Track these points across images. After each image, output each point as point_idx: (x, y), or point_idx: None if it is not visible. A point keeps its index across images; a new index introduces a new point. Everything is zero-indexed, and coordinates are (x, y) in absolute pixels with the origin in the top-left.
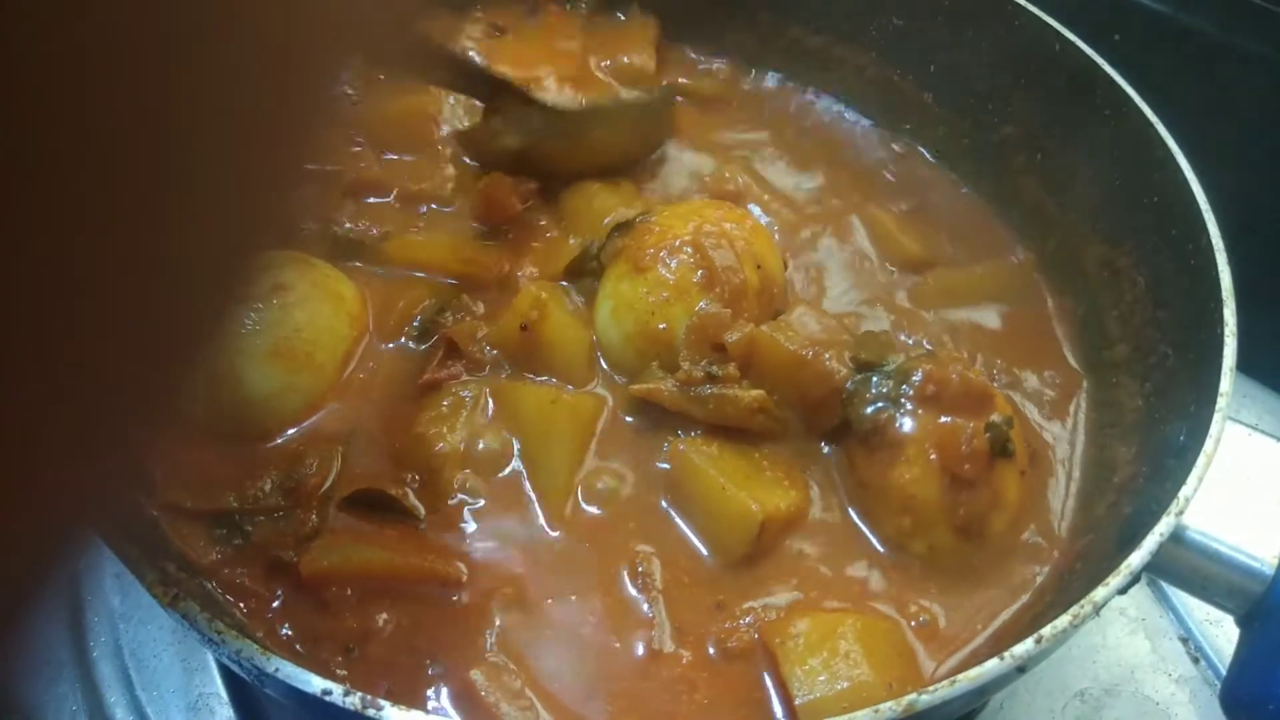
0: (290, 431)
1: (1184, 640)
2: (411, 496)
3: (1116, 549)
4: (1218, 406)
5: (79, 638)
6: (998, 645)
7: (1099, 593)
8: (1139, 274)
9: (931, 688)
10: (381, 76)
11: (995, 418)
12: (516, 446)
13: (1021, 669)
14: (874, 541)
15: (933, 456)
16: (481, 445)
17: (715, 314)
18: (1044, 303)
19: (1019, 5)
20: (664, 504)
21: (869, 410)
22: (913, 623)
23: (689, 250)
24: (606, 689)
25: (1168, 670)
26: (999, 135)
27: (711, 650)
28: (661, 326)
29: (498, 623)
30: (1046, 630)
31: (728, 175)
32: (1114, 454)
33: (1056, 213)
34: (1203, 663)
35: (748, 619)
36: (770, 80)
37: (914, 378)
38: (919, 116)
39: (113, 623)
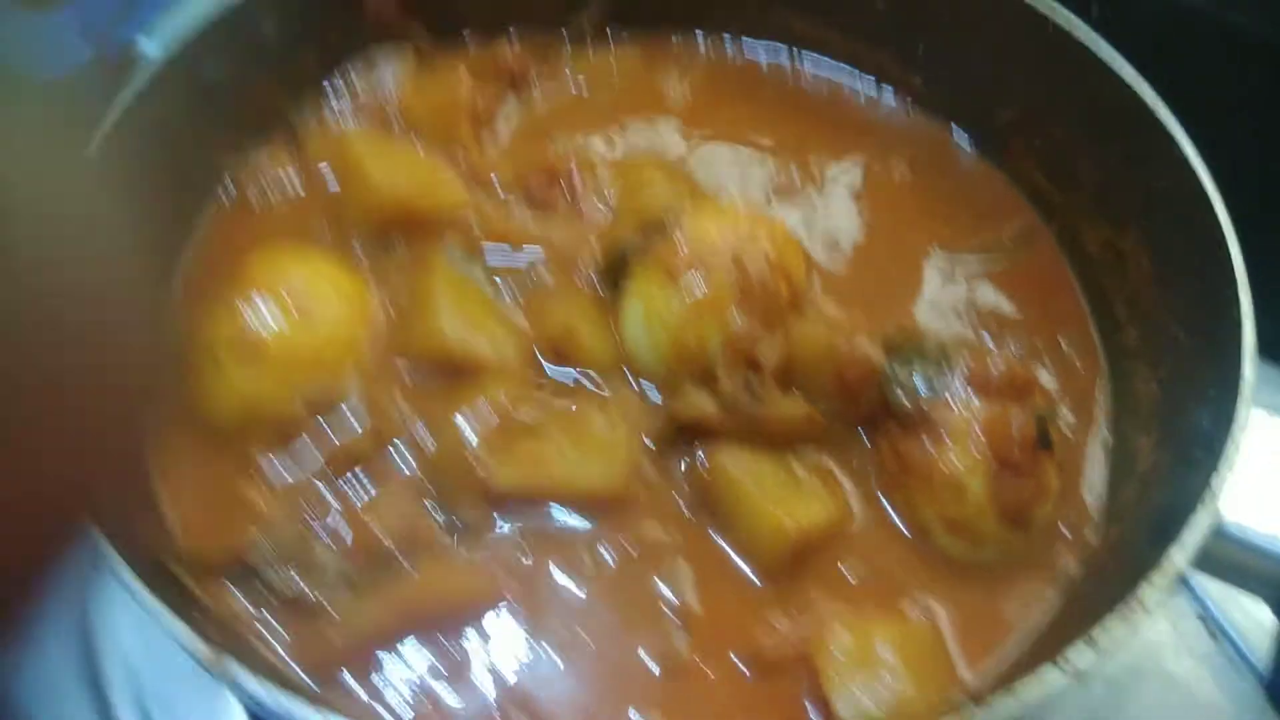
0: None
1: (1202, 618)
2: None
3: (1148, 541)
4: (1241, 394)
5: (94, 678)
6: (1038, 645)
7: (1148, 594)
8: (1144, 256)
9: (997, 696)
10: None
11: (1041, 407)
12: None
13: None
14: (909, 537)
15: (981, 442)
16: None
17: (750, 331)
18: (1060, 286)
19: None
20: (700, 515)
21: (912, 393)
22: (949, 624)
23: (726, 263)
24: (644, 707)
25: (1189, 648)
26: (997, 119)
27: (751, 664)
28: (694, 341)
29: (536, 645)
30: (1102, 638)
31: (778, 168)
32: (1134, 442)
33: (1058, 196)
34: (1221, 639)
35: (787, 631)
36: (762, 55)
37: (957, 363)
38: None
39: (131, 670)
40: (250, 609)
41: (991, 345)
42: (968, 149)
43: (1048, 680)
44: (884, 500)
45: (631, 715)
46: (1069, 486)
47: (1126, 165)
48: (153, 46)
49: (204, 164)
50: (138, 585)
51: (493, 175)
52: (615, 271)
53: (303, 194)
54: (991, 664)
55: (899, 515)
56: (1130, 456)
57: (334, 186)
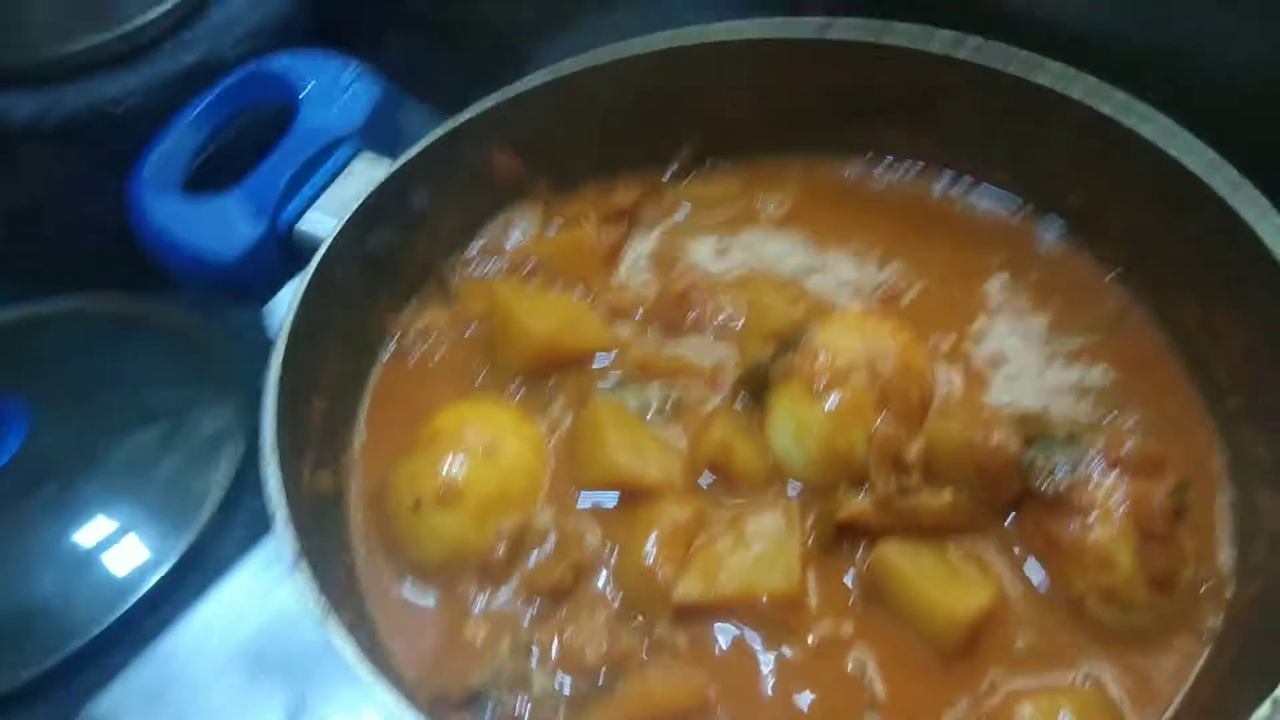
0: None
1: None
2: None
3: None
4: None
5: None
6: (1192, 698)
7: None
8: (1239, 328)
9: None
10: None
11: (1175, 478)
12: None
13: None
14: (1062, 609)
15: (1125, 516)
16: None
17: (893, 432)
18: (1159, 360)
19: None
20: (871, 608)
21: (1055, 477)
22: (1115, 687)
23: (862, 371)
24: None
25: None
26: (1078, 206)
27: None
28: (844, 447)
29: None
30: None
31: (882, 274)
32: (1255, 499)
33: (1145, 275)
34: None
35: (972, 709)
36: (848, 168)
37: (1093, 447)
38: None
39: None
40: None
41: (1109, 422)
42: (1052, 236)
43: None
44: (1036, 579)
45: None
46: (1204, 548)
47: (1211, 242)
48: (317, 223)
49: (371, 323)
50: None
51: (627, 308)
52: (756, 387)
53: (459, 343)
54: (1164, 716)
55: (1051, 590)
56: (1255, 514)
57: (484, 333)
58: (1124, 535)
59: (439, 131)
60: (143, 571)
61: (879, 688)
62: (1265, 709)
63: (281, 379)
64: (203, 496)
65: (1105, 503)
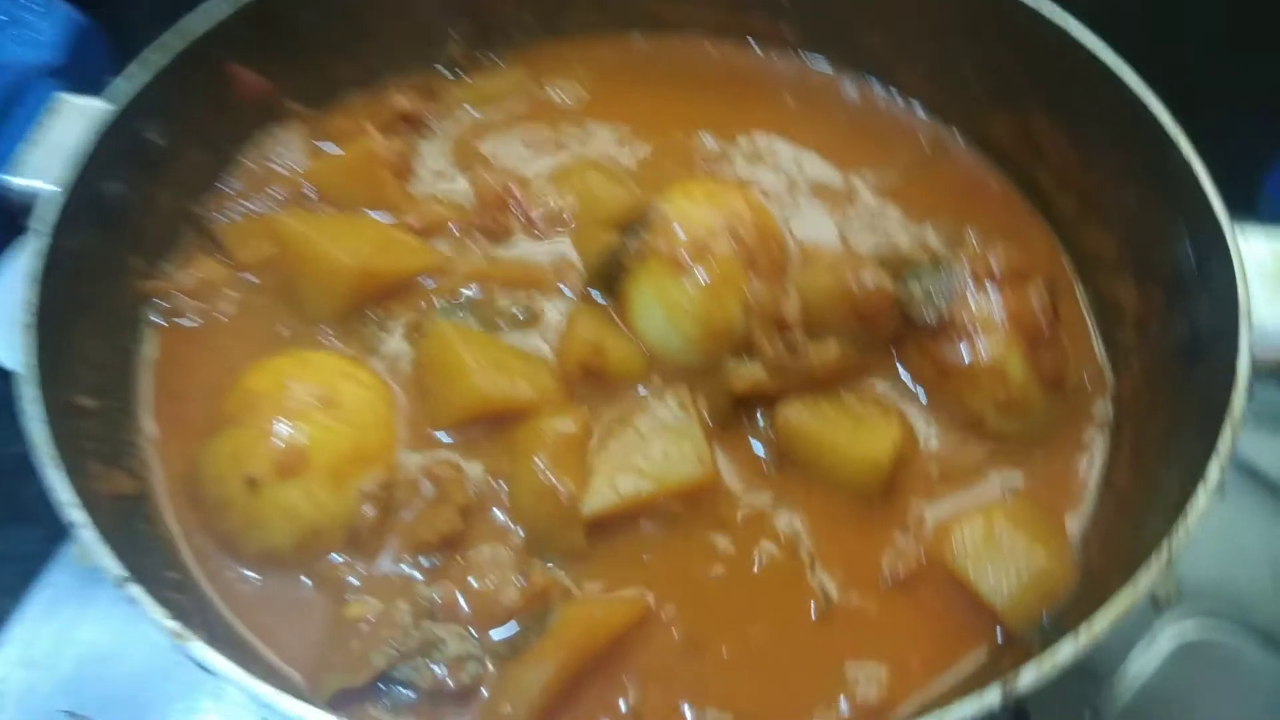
0: None
1: None
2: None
3: (1182, 366)
4: (1221, 226)
5: None
6: (1108, 485)
7: (1237, 401)
8: (1055, 130)
9: (1179, 524)
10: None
11: (1044, 280)
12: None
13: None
14: (965, 431)
15: (1008, 326)
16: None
17: (770, 294)
18: (987, 179)
19: None
20: (787, 471)
21: (935, 304)
22: (1036, 491)
23: (724, 239)
24: (822, 657)
25: None
26: (875, 49)
27: (893, 584)
28: (722, 320)
29: (702, 643)
30: (1223, 447)
31: (696, 142)
32: (1109, 290)
33: (954, 103)
34: None
35: (910, 545)
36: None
37: (962, 268)
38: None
39: None
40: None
41: (959, 244)
42: (855, 85)
43: (1202, 500)
44: (933, 406)
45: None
46: (1079, 344)
47: (1021, 58)
48: (25, 182)
49: (128, 290)
50: None
51: (440, 221)
52: (610, 277)
53: (246, 295)
54: (1086, 512)
55: (951, 414)
56: (1113, 304)
57: (277, 278)
58: (1011, 345)
59: (163, 54)
60: None
61: (815, 546)
62: (1217, 469)
63: (38, 378)
64: None
65: (986, 318)
